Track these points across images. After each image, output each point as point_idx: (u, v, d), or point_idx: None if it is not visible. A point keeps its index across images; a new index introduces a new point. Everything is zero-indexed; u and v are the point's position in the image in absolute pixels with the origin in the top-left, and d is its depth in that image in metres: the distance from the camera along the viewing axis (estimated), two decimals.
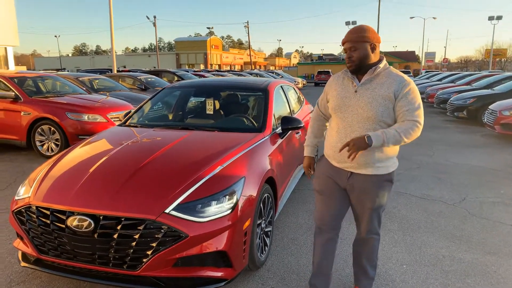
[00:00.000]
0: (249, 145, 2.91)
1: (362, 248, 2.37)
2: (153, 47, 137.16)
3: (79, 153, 2.90)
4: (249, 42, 55.67)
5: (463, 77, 16.22)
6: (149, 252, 2.15)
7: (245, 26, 53.20)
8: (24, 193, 2.53)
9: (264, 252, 2.84)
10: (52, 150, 6.27)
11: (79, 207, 2.24)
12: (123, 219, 2.17)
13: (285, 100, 4.21)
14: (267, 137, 3.20)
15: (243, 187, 2.45)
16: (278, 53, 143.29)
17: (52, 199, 2.35)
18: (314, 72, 42.57)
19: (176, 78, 14.45)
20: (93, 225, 2.18)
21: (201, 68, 58.35)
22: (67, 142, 6.16)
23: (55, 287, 2.59)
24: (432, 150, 7.16)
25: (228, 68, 77.07)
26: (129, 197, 2.27)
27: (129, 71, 16.18)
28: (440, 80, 18.71)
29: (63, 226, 2.25)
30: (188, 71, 18.23)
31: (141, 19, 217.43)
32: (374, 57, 2.09)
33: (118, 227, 2.16)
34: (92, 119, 6.27)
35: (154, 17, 41.11)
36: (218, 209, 2.26)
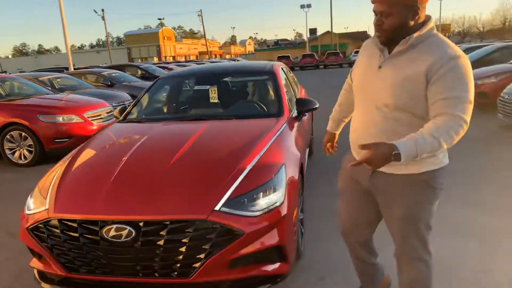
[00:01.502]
0: (275, 131, 2.73)
1: (401, 277, 1.76)
2: (101, 43, 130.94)
3: (91, 155, 2.59)
4: (203, 30, 54.64)
5: None
6: (201, 256, 1.94)
7: (198, 15, 52.03)
8: (38, 206, 2.20)
9: (302, 240, 2.71)
10: (25, 158, 5.71)
11: (114, 215, 1.98)
12: (168, 223, 1.93)
13: (288, 82, 4.05)
14: (287, 121, 3.04)
15: (286, 176, 2.28)
16: (232, 41, 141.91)
17: (78, 209, 2.06)
18: (272, 58, 42.57)
19: (139, 72, 13.80)
20: (134, 233, 1.93)
21: (155, 60, 56.52)
22: (42, 148, 5.64)
23: None
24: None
25: (183, 59, 75.26)
26: (170, 197, 2.04)
27: (85, 68, 15.20)
28: None
29: (97, 238, 1.98)
30: (152, 64, 17.48)
31: (84, 14, 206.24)
32: (414, 24, 1.49)
33: (163, 232, 1.93)
34: (67, 120, 5.77)
35: (102, 10, 39.09)
36: (268, 201, 2.08)
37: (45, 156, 5.74)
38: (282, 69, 4.09)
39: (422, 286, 1.71)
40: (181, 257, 1.94)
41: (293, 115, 3.27)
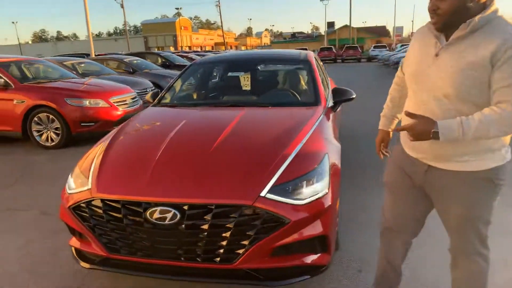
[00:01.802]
0: (315, 119, 2.68)
1: (456, 274, 1.70)
2: (118, 31, 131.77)
3: (131, 137, 2.58)
4: (221, 21, 54.39)
5: None
6: (246, 242, 1.91)
7: (216, 5, 51.81)
8: (80, 185, 2.20)
9: (339, 231, 2.66)
10: (52, 140, 5.78)
11: (159, 197, 1.96)
12: (213, 207, 1.91)
13: (321, 72, 3.98)
14: (324, 111, 2.97)
15: (329, 164, 2.23)
16: (248, 32, 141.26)
17: (121, 190, 2.05)
18: None
19: (160, 60, 13.82)
20: (178, 216, 1.91)
21: (172, 50, 56.63)
22: (68, 130, 5.70)
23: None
24: None
25: (199, 49, 75.29)
26: (215, 181, 2.01)
27: (105, 55, 15.30)
28: None
29: (141, 219, 1.97)
30: (173, 53, 17.52)
31: (102, 1, 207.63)
32: (474, 7, 1.37)
33: (208, 217, 1.91)
34: (93, 104, 5.81)
35: None
36: (314, 190, 2.03)
37: (72, 139, 5.80)
38: (315, 58, 4.02)
39: (479, 282, 1.64)
40: (225, 242, 1.92)
41: (329, 105, 3.21)
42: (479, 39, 1.37)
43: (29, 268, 2.56)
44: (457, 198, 1.54)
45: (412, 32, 58.54)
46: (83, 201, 2.10)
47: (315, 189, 2.03)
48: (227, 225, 1.90)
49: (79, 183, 2.22)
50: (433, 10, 1.42)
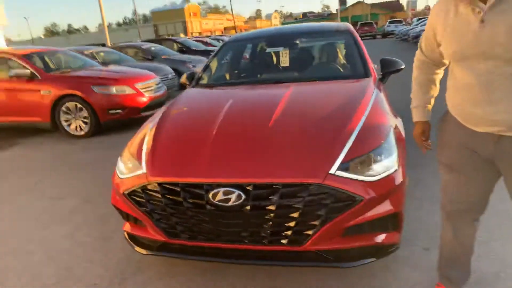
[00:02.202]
0: (371, 92, 2.51)
1: None
2: (127, 21, 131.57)
3: (181, 117, 2.47)
4: (230, 4, 53.64)
5: None
6: (316, 222, 1.80)
7: None
8: (132, 169, 2.11)
9: None
10: (81, 129, 5.76)
11: (222, 178, 1.85)
12: (280, 186, 1.79)
13: None
14: (376, 82, 2.80)
15: (395, 139, 2.08)
16: (257, 15, 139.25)
17: (180, 173, 1.94)
18: None
19: (176, 46, 13.66)
20: (243, 197, 1.80)
21: (182, 37, 56.20)
22: (97, 119, 5.65)
23: (176, 275, 2.24)
24: None
25: (210, 34, 74.67)
26: (280, 160, 1.88)
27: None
28: None
29: (202, 202, 1.87)
30: (188, 39, 17.33)
31: None
32: None
33: (275, 197, 1.79)
34: (120, 91, 5.74)
35: None
36: (385, 166, 1.89)
37: (100, 127, 5.76)
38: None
39: None
40: (293, 223, 1.80)
41: (379, 77, 3.03)
42: None
43: (82, 256, 2.52)
44: None
45: (427, 6, 56.57)
46: (139, 186, 2.01)
47: (386, 165, 1.89)
48: (296, 205, 1.78)
49: (131, 167, 2.13)
50: None
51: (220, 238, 1.93)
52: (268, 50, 3.67)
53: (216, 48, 3.66)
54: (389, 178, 1.86)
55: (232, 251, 1.96)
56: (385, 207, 1.86)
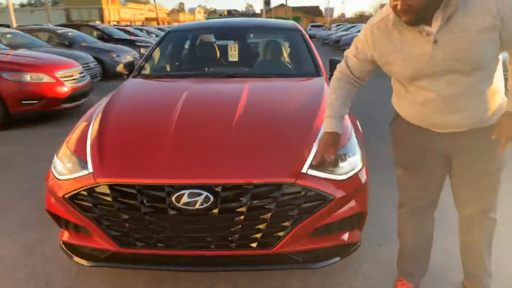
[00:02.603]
0: (327, 89, 2.52)
1: (469, 236, 1.75)
2: (32, 2, 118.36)
3: (129, 111, 2.21)
4: None
5: None
6: (287, 224, 1.72)
7: None
8: (75, 169, 1.82)
9: None
10: None
11: (188, 179, 1.67)
12: (251, 187, 1.68)
13: None
14: (328, 82, 2.82)
15: (356, 137, 2.10)
16: (180, 8, 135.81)
17: (136, 173, 1.72)
18: None
19: (95, 33, 12.59)
20: (211, 199, 1.65)
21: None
22: (6, 110, 4.91)
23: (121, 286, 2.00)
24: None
25: (129, 24, 70.71)
26: (250, 159, 1.77)
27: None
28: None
29: (164, 205, 1.67)
30: (108, 27, 16.02)
31: None
32: None
33: (245, 198, 1.67)
34: (36, 79, 5.06)
35: None
36: (351, 164, 1.88)
37: (10, 119, 5.02)
38: None
39: (489, 244, 1.75)
40: (264, 225, 1.71)
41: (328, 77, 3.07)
42: (471, 6, 1.31)
43: (5, 272, 2.12)
44: (485, 154, 1.54)
45: (343, 14, 60.58)
46: (84, 188, 1.73)
47: (353, 164, 1.89)
48: (267, 206, 1.68)
49: (73, 166, 1.84)
50: (403, 10, 1.31)
51: (182, 244, 1.75)
52: (217, 42, 3.50)
53: (147, 38, 3.38)
54: (356, 177, 1.86)
55: (194, 258, 1.80)
56: (352, 206, 1.85)
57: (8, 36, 7.97)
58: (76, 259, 1.88)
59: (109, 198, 1.70)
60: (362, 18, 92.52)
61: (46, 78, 5.13)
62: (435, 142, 1.59)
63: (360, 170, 1.89)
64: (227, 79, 2.77)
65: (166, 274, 2.07)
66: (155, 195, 1.68)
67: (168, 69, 3.19)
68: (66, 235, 1.93)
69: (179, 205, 1.64)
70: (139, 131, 1.97)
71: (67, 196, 1.76)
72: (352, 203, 1.85)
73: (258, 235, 1.73)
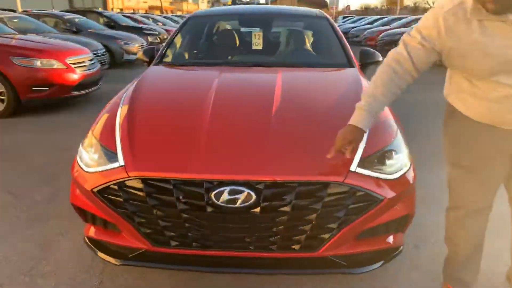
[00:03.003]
0: (365, 83, 2.37)
1: None
2: None
3: (158, 100, 2.07)
4: None
5: (396, 20, 16.98)
6: (334, 225, 1.60)
7: None
8: (101, 161, 1.69)
9: None
10: None
11: (228, 174, 1.54)
12: (296, 185, 1.55)
13: None
14: (361, 73, 2.68)
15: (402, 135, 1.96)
16: None
17: (172, 167, 1.59)
18: None
19: (102, 20, 12.37)
20: (253, 197, 1.52)
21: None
22: (17, 97, 4.77)
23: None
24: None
25: (132, 12, 69.97)
26: (292, 155, 1.64)
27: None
28: (371, 23, 19.36)
29: (202, 203, 1.54)
30: (115, 13, 15.78)
31: None
32: None
33: (290, 197, 1.54)
34: (47, 65, 4.91)
35: None
36: (400, 162, 1.75)
37: (21, 106, 4.89)
38: None
39: None
40: (308, 227, 1.58)
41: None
42: None
43: (20, 269, 2.01)
44: None
45: (348, 6, 59.83)
46: (114, 182, 1.60)
47: (401, 162, 1.76)
48: (313, 207, 1.56)
49: (101, 158, 1.71)
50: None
51: (219, 244, 1.63)
52: (242, 29, 3.34)
53: (155, 26, 3.22)
54: (405, 177, 1.73)
55: (231, 259, 1.68)
56: (400, 208, 1.73)
57: (15, 20, 7.79)
58: (102, 255, 1.76)
59: (142, 193, 1.57)
60: (367, 11, 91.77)
61: (56, 64, 4.98)
62: (503, 141, 1.46)
63: (409, 169, 1.76)
64: (256, 68, 2.62)
65: (194, 273, 1.96)
66: (192, 191, 1.55)
67: (191, 56, 3.04)
68: (92, 231, 1.81)
69: (218, 202, 1.52)
70: (171, 122, 1.84)
71: (95, 189, 1.64)
72: (400, 204, 1.72)
73: (302, 237, 1.60)
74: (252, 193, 1.52)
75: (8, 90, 4.71)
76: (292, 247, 1.63)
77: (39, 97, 4.90)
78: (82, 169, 1.73)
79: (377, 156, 1.71)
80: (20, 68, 4.72)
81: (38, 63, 4.83)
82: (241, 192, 1.51)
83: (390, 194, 1.63)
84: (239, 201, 1.52)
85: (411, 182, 1.75)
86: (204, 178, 1.54)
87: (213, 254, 1.66)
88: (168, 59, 2.90)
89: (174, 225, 1.60)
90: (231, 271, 1.73)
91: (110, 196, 1.62)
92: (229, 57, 2.98)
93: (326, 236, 1.61)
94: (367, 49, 2.98)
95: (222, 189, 1.52)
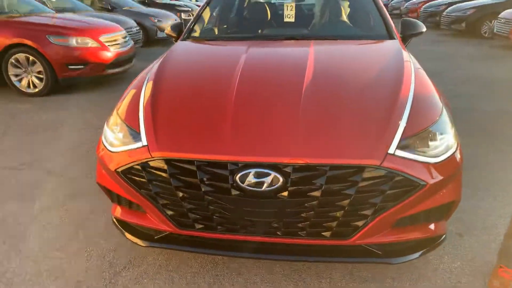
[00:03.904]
0: (406, 55, 2.16)
1: None
2: None
3: (183, 78, 1.99)
4: None
5: None
6: (368, 212, 1.47)
7: None
8: (125, 141, 1.64)
9: None
10: (34, 86, 4.97)
11: (254, 156, 1.44)
12: (327, 168, 1.43)
13: None
14: (402, 45, 2.45)
15: (447, 113, 1.77)
16: None
17: (196, 147, 1.51)
18: None
19: None
20: (281, 181, 1.42)
21: None
22: (53, 75, 4.89)
23: (172, 271, 1.86)
24: (457, 63, 6.77)
25: None
26: (326, 136, 1.50)
27: None
28: None
29: (227, 185, 1.46)
30: None
31: None
32: None
33: (319, 181, 1.43)
34: (81, 43, 4.97)
35: None
36: (446, 144, 1.58)
37: (58, 85, 5.01)
38: None
39: None
40: (340, 213, 1.46)
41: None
42: None
43: (53, 244, 2.05)
44: None
45: None
46: (138, 162, 1.55)
47: (447, 144, 1.58)
48: (345, 192, 1.43)
49: (125, 137, 1.66)
50: None
51: (245, 229, 1.56)
52: (273, 1, 3.17)
53: (188, 2, 3.08)
54: (452, 160, 1.56)
55: (258, 244, 1.60)
56: (445, 194, 1.57)
57: (54, 0, 7.95)
58: (129, 236, 1.75)
59: (165, 175, 1.51)
60: None
61: (91, 43, 5.03)
62: None
63: (455, 152, 1.59)
64: (287, 41, 2.47)
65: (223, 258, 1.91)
66: (216, 173, 1.47)
67: (219, 31, 2.93)
68: (118, 211, 1.79)
69: (243, 185, 1.43)
70: (195, 100, 1.75)
71: (119, 170, 1.60)
72: (445, 190, 1.56)
73: (333, 224, 1.49)
74: (279, 176, 1.41)
75: (46, 68, 4.83)
76: (323, 234, 1.52)
77: (75, 76, 4.99)
78: (107, 148, 1.70)
79: (420, 137, 1.54)
80: (57, 47, 4.81)
81: (73, 41, 4.90)
82: (268, 175, 1.42)
83: (433, 179, 1.47)
84: (265, 185, 1.42)
85: (457, 166, 1.58)
86: (229, 159, 1.45)
87: (239, 238, 1.59)
88: (196, 34, 2.80)
89: (198, 208, 1.53)
90: (258, 257, 1.65)
91: (134, 177, 1.58)
92: (259, 31, 2.83)
93: (360, 223, 1.49)
94: (409, 19, 2.72)
95: (247, 171, 1.43)
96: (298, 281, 1.76)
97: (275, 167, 1.42)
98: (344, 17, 2.89)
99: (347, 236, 1.51)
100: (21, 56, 4.82)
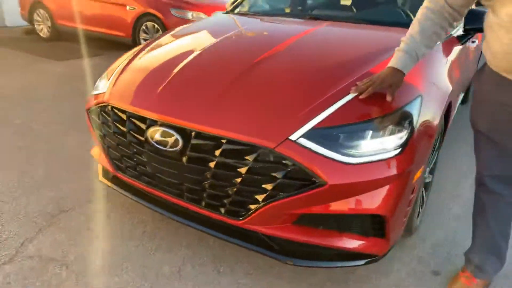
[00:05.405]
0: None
1: None
2: None
3: (164, 44, 2.13)
4: None
5: None
6: (260, 197, 1.36)
7: None
8: (100, 87, 1.89)
9: (420, 212, 1.89)
10: None
11: (164, 114, 1.50)
12: (224, 141, 1.37)
13: None
14: (444, 38, 2.02)
15: (420, 113, 1.44)
16: None
17: (130, 100, 1.64)
18: None
19: None
20: (180, 144, 1.43)
21: None
22: None
23: (134, 218, 2.04)
24: None
25: None
26: (237, 109, 1.44)
27: None
28: None
29: (142, 138, 1.56)
30: None
31: None
32: None
33: (217, 152, 1.38)
34: (196, 17, 5.54)
35: None
36: (379, 145, 1.31)
37: None
38: None
39: None
40: (232, 190, 1.40)
41: (455, 34, 2.22)
42: None
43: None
44: None
45: None
46: (97, 105, 1.78)
47: (383, 145, 1.31)
48: (238, 169, 1.35)
49: (101, 85, 1.91)
50: None
51: (160, 186, 1.62)
52: None
53: None
54: (381, 165, 1.30)
55: (171, 204, 1.65)
56: (367, 203, 1.33)
57: None
58: (99, 171, 1.99)
59: (109, 119, 1.70)
60: None
61: (204, 17, 5.54)
62: None
63: (392, 157, 1.31)
64: (307, 20, 2.34)
65: None
66: (136, 125, 1.58)
67: (262, 8, 2.93)
68: (94, 150, 2.04)
69: (151, 141, 1.50)
70: (157, 63, 1.85)
71: (89, 109, 1.85)
72: (365, 198, 1.32)
73: (226, 201, 1.43)
74: (180, 139, 1.43)
75: None
76: (219, 208, 1.48)
77: None
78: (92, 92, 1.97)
79: (347, 128, 1.32)
80: (176, 19, 5.48)
81: (189, 15, 5.50)
82: (171, 135, 1.45)
83: (337, 180, 1.26)
84: (168, 144, 1.46)
85: (389, 174, 1.30)
86: (147, 115, 1.53)
87: (158, 194, 1.66)
88: (243, 9, 2.85)
89: (126, 155, 1.67)
90: (171, 218, 1.67)
91: (94, 117, 1.81)
92: (293, 10, 2.72)
93: (253, 206, 1.39)
94: (476, 9, 2.19)
95: (157, 128, 1.49)
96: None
97: (180, 130, 1.45)
98: (396, 7, 2.51)
99: (239, 216, 1.43)
100: (150, 24, 5.68)
